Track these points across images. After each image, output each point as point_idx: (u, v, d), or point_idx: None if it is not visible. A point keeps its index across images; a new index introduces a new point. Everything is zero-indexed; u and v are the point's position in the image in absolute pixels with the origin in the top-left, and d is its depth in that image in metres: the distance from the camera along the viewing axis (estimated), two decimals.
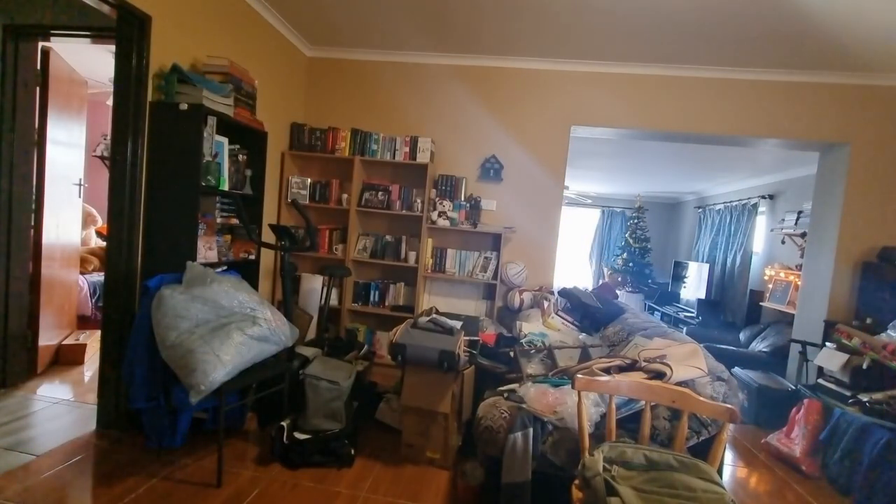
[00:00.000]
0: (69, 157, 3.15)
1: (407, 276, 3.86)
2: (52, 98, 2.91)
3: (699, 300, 6.41)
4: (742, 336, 5.17)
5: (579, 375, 1.62)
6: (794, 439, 2.84)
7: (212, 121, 2.49)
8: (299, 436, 2.28)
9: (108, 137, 3.79)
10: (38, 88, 2.88)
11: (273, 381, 2.42)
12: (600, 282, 8.87)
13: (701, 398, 1.54)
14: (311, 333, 3.38)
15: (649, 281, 8.21)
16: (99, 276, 3.95)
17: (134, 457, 2.20)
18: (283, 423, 2.29)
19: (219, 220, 2.78)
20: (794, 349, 3.69)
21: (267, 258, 3.55)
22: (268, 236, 3.26)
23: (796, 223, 4.81)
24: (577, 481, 1.49)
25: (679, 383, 1.79)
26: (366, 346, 3.37)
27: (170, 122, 2.38)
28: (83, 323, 3.70)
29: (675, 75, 3.58)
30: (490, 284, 3.79)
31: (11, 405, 2.60)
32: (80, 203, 3.33)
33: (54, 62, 2.91)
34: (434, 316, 2.74)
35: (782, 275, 4.94)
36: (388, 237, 3.86)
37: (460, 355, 2.33)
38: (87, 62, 3.93)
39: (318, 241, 3.81)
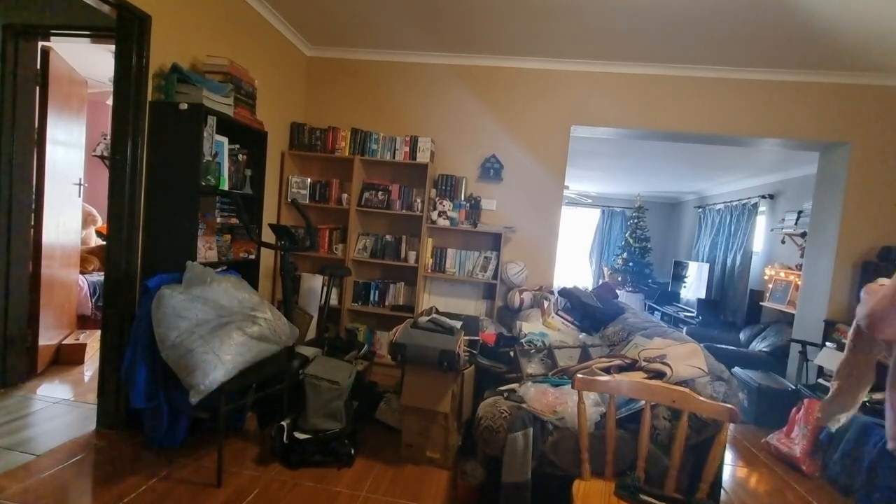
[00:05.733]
0: (69, 156, 3.15)
1: (407, 275, 3.86)
2: (52, 98, 2.91)
3: (699, 300, 6.40)
4: (742, 336, 5.17)
5: (579, 375, 1.62)
6: (794, 439, 2.84)
7: (212, 120, 2.49)
8: (299, 435, 2.27)
9: (108, 137, 3.79)
10: (38, 88, 2.88)
11: (273, 380, 2.42)
12: (600, 281, 8.86)
13: (701, 398, 1.54)
14: (311, 333, 3.38)
15: (649, 281, 8.21)
16: (99, 276, 3.95)
17: (134, 457, 2.20)
18: (283, 423, 2.29)
19: (219, 220, 2.78)
20: (794, 349, 3.69)
21: (267, 258, 3.55)
22: (268, 236, 3.26)
23: (796, 223, 4.81)
24: None
25: (679, 383, 1.79)
26: (366, 346, 3.37)
27: (170, 122, 2.38)
28: (83, 323, 3.70)
29: (675, 75, 3.58)
30: (490, 284, 3.79)
31: (11, 405, 2.60)
32: (80, 203, 3.33)
33: (54, 62, 2.91)
34: (434, 316, 2.73)
35: (782, 274, 4.94)
36: (388, 237, 3.85)
37: (460, 355, 2.32)
38: (87, 62, 3.92)
39: (318, 241, 3.81)
